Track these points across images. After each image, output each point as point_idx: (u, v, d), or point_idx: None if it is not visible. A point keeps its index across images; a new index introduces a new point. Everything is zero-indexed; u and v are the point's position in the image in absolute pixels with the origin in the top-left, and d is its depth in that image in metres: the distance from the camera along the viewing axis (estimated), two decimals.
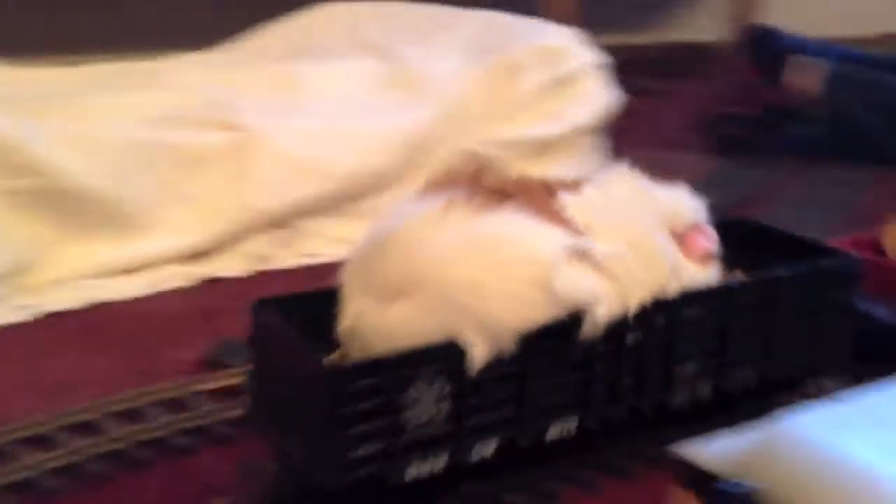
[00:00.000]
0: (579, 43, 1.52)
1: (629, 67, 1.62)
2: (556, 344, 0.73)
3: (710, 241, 0.83)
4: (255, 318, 0.73)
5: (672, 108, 2.15)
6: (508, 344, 0.70)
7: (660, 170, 0.85)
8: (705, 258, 0.82)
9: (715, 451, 0.60)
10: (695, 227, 0.82)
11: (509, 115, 1.43)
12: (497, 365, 0.70)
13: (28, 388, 0.93)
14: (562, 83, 1.46)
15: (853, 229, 1.23)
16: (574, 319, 0.72)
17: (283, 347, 0.71)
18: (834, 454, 0.46)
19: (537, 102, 1.43)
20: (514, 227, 0.72)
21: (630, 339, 0.77)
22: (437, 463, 0.70)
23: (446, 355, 0.69)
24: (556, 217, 0.74)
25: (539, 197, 0.75)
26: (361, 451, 0.66)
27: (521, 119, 1.43)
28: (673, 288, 0.78)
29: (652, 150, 1.62)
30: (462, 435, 0.71)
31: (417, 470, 0.69)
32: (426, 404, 0.68)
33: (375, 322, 0.71)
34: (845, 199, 1.60)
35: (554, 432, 0.76)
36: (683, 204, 0.83)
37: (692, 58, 2.73)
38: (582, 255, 0.72)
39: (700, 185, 0.87)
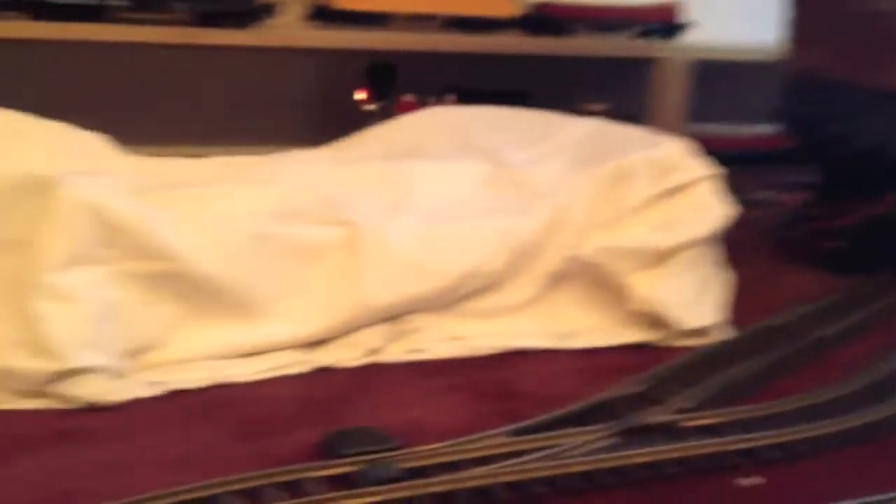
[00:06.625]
0: (692, 154, 1.43)
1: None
2: None
3: None
4: None
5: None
6: None
7: None
8: None
9: None
10: None
11: (618, 223, 1.37)
12: None
13: (151, 461, 0.95)
14: (674, 194, 1.39)
15: None
16: None
17: None
18: None
19: (648, 213, 1.37)
20: None
21: None
22: None
23: None
24: None
25: None
26: None
27: (631, 229, 1.36)
28: None
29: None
30: None
31: None
32: None
33: None
34: None
35: None
36: None
37: None
38: None
39: None
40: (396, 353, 1.22)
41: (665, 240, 1.35)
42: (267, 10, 2.05)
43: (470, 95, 2.00)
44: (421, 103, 2.00)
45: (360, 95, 2.06)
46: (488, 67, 2.17)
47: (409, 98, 2.03)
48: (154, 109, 2.10)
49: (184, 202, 1.20)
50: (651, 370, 1.15)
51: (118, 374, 1.08)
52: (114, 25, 1.92)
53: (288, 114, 2.23)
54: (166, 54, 2.07)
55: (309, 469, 0.90)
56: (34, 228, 1.09)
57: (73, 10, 1.89)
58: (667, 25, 2.40)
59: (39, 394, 1.04)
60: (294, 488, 0.88)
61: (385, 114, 1.95)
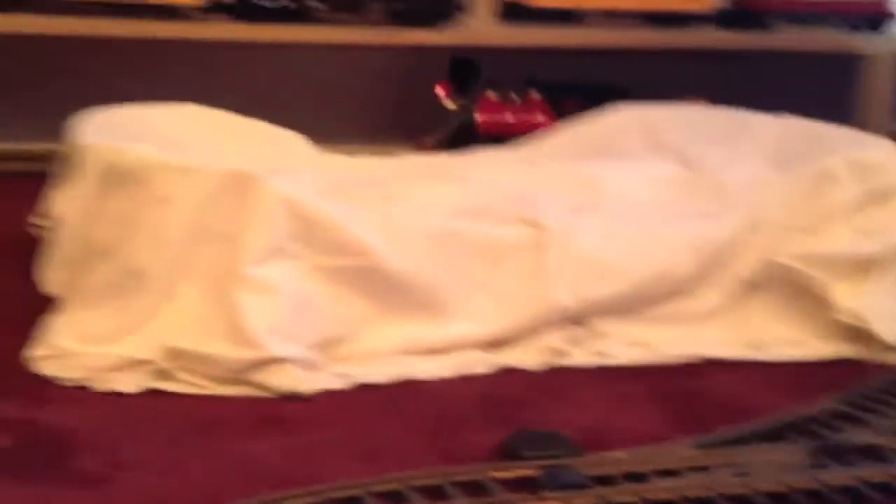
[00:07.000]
0: None
1: None
2: None
3: None
4: None
5: None
6: None
7: None
8: None
9: None
10: None
11: (819, 229, 1.29)
12: None
13: (337, 451, 0.97)
14: (881, 199, 1.30)
15: None
16: None
17: None
18: None
19: (853, 218, 1.29)
20: None
21: None
22: None
23: None
24: None
25: None
26: None
27: (833, 234, 1.29)
28: None
29: None
30: None
31: None
32: None
33: None
34: None
35: None
36: None
37: None
38: None
39: None
40: (581, 356, 1.21)
41: (871, 247, 1.27)
42: (459, 9, 2.06)
43: (554, 91, 1.95)
44: (503, 100, 1.94)
45: (440, 92, 1.96)
46: (572, 62, 2.07)
47: (490, 95, 1.93)
48: (345, 108, 2.16)
49: (375, 199, 1.23)
50: (852, 387, 1.09)
51: (310, 366, 1.12)
52: (312, 26, 1.99)
53: None
54: (356, 54, 2.12)
55: (491, 469, 0.90)
56: (237, 222, 1.14)
57: (274, 13, 1.96)
58: (876, 17, 2.26)
59: (237, 381, 1.09)
60: (476, 488, 0.88)
61: (466, 111, 1.91)
